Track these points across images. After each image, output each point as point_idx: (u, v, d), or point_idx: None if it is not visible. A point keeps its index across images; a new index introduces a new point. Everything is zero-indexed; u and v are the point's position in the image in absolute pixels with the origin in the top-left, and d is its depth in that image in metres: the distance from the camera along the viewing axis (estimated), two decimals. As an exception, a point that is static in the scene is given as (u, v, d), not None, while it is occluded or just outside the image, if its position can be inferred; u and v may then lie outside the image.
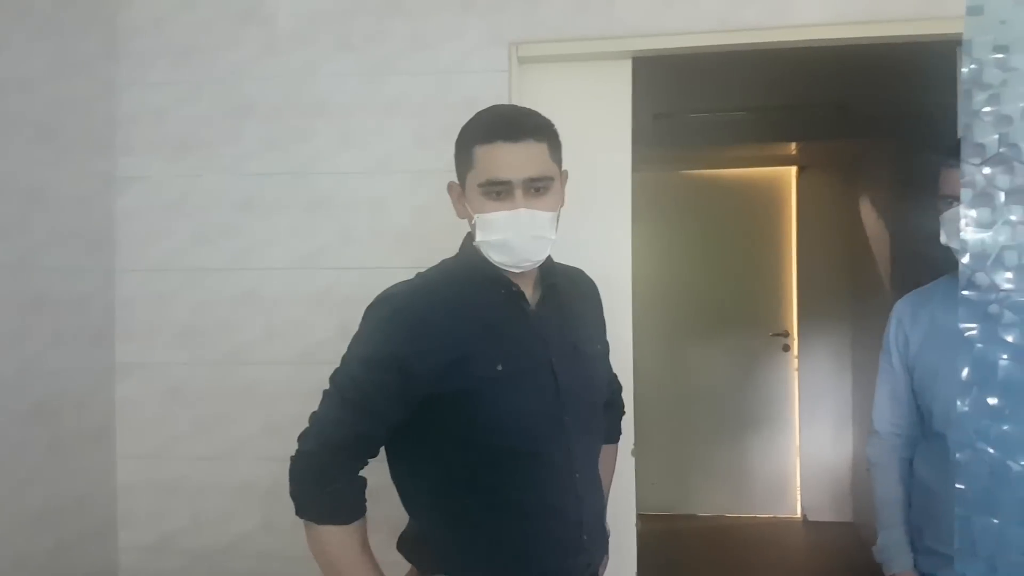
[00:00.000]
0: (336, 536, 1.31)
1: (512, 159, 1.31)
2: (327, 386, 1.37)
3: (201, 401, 2.36)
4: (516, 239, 1.33)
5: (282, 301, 2.32)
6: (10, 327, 1.97)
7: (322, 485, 1.31)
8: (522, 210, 1.31)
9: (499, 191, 1.32)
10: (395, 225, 2.28)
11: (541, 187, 1.33)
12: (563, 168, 1.43)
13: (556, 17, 2.24)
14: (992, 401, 0.60)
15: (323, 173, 2.31)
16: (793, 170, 4.97)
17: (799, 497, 4.94)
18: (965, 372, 0.60)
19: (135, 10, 2.39)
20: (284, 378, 2.28)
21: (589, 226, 2.23)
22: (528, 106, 1.79)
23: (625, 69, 2.28)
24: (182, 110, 2.37)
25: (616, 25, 2.21)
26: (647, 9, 2.20)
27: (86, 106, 2.27)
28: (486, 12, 2.26)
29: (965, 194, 0.60)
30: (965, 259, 0.59)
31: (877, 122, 4.02)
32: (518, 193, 1.31)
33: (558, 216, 1.39)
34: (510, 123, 1.34)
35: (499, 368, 1.32)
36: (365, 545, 1.34)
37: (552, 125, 1.40)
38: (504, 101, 2.18)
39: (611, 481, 1.72)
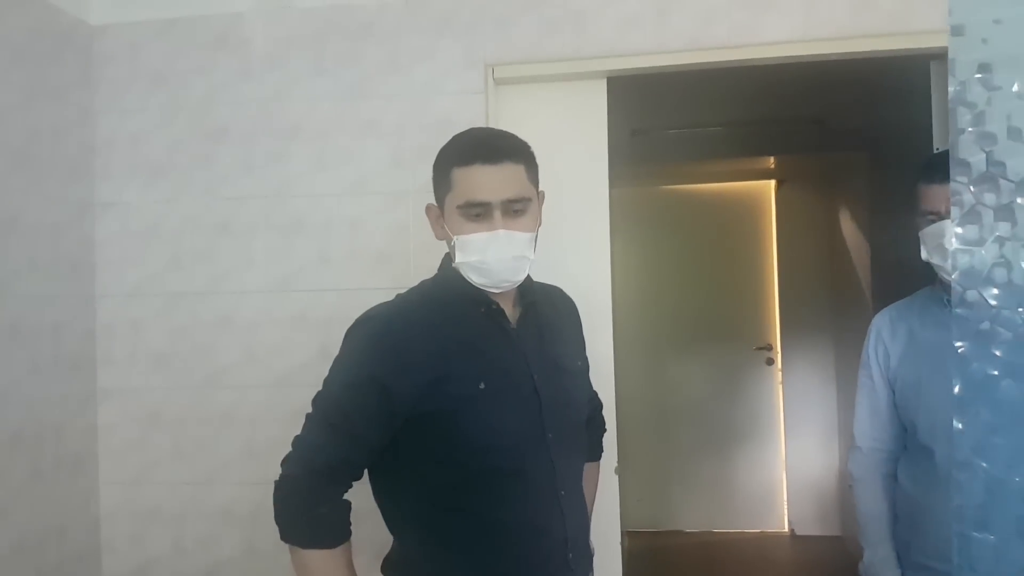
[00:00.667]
0: (321, 560, 1.31)
1: (490, 181, 1.32)
2: (309, 409, 1.37)
3: (180, 426, 2.34)
4: (494, 260, 1.34)
5: (260, 324, 2.32)
6: (-14, 355, 1.96)
7: (306, 510, 1.31)
8: (501, 231, 1.33)
9: (478, 213, 1.33)
10: (372, 246, 2.28)
11: (519, 208, 1.35)
12: (540, 189, 1.44)
13: (530, 38, 2.26)
14: (987, 418, 0.60)
15: (299, 196, 2.32)
16: (772, 184, 5.02)
17: (786, 511, 4.94)
18: (957, 389, 0.61)
19: (110, 37, 2.40)
20: (263, 401, 2.27)
21: (568, 243, 2.25)
22: (505, 126, 1.82)
23: (600, 88, 2.30)
24: (158, 135, 2.38)
25: (589, 45, 2.24)
26: (619, 29, 2.23)
27: (62, 133, 2.27)
28: (460, 34, 2.28)
29: (954, 212, 0.61)
30: (955, 276, 0.61)
31: (853, 136, 4.07)
32: (497, 214, 1.33)
33: (536, 236, 1.40)
34: (488, 145, 1.36)
35: (481, 386, 1.33)
36: (350, 568, 1.34)
37: (529, 147, 1.42)
38: (480, 122, 2.19)
39: (594, 499, 1.71)
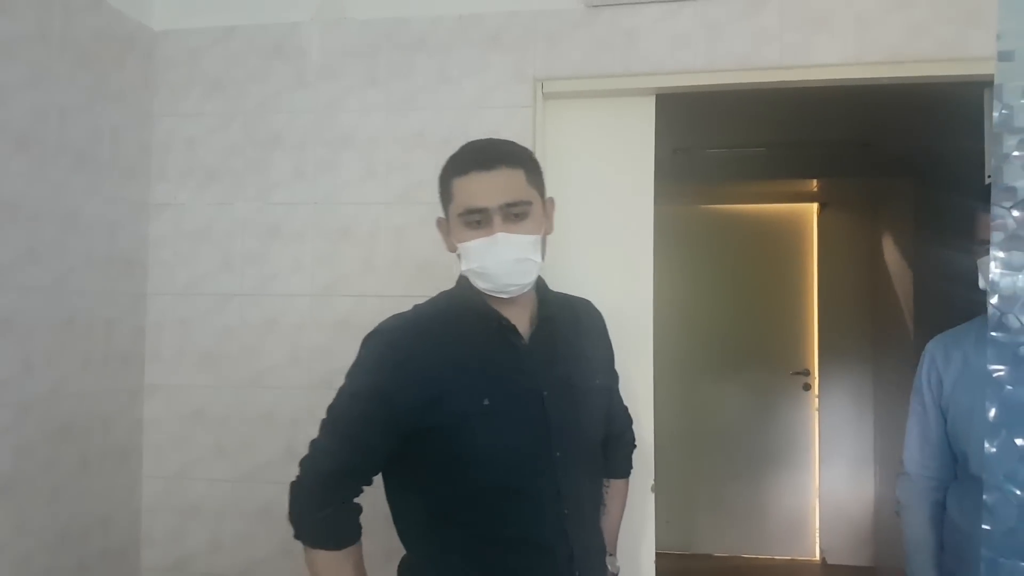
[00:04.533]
0: (328, 560, 1.34)
1: (487, 187, 1.34)
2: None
3: (223, 424, 2.39)
4: (495, 264, 1.34)
5: (305, 327, 2.36)
6: (44, 347, 2.02)
7: (314, 511, 1.35)
8: (499, 234, 1.33)
9: (477, 219, 1.34)
10: (416, 255, 2.31)
11: (519, 212, 1.35)
12: (548, 196, 1.45)
13: (580, 54, 2.28)
14: (1021, 442, 0.60)
15: (347, 203, 2.36)
16: (814, 207, 4.97)
17: (818, 539, 4.86)
18: (992, 413, 0.61)
19: (171, 43, 2.47)
20: (304, 403, 2.31)
21: (611, 260, 2.26)
22: (552, 140, 1.83)
23: (648, 105, 2.31)
24: (213, 140, 2.44)
25: (639, 62, 2.25)
26: (669, 47, 2.24)
27: (122, 134, 2.34)
28: (511, 49, 2.31)
29: (995, 237, 0.61)
30: (994, 300, 0.60)
31: (899, 161, 4.03)
32: (496, 219, 1.33)
33: (542, 240, 1.40)
34: (483, 152, 1.38)
35: (486, 403, 1.33)
36: (358, 569, 1.36)
37: (529, 152, 1.43)
38: (527, 135, 2.21)
39: (621, 517, 1.70)
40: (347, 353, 2.29)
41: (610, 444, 1.61)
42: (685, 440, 4.83)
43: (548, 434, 1.37)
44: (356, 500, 1.39)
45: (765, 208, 5.01)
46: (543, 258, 1.40)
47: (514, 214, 1.34)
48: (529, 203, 1.36)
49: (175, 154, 2.46)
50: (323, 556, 1.34)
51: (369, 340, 1.40)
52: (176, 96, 2.47)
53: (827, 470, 4.82)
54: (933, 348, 1.75)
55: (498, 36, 2.32)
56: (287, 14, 2.42)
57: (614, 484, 1.65)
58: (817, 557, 4.85)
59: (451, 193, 1.38)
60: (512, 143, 1.44)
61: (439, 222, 1.46)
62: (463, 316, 1.41)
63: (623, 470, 1.72)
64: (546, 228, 1.42)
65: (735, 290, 4.92)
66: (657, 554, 2.27)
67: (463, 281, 1.45)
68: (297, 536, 1.36)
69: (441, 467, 1.35)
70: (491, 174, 1.34)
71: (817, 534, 4.86)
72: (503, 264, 1.34)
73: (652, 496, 2.23)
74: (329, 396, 1.39)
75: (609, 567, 1.61)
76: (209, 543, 2.38)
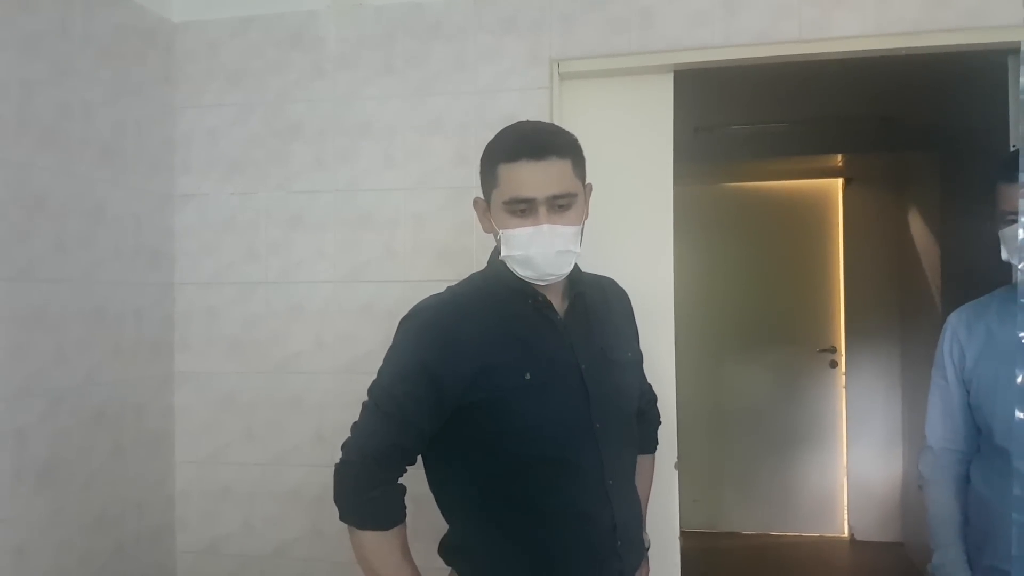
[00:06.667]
0: (375, 541, 1.36)
1: (535, 177, 1.34)
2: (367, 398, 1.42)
3: (252, 409, 2.43)
4: (539, 254, 1.35)
5: (329, 313, 2.39)
6: (75, 338, 2.07)
7: (360, 493, 1.36)
8: (545, 226, 1.34)
9: (523, 208, 1.35)
10: (436, 240, 2.33)
11: (564, 204, 1.36)
12: (588, 182, 1.45)
13: (596, 34, 2.27)
14: None
15: (367, 190, 2.38)
16: (839, 182, 4.91)
17: (846, 516, 4.84)
18: (1021, 380, 0.60)
19: (190, 36, 2.50)
20: (332, 387, 2.35)
21: (631, 240, 2.26)
22: (569, 121, 1.83)
23: (666, 83, 2.29)
24: (234, 131, 2.47)
25: (656, 40, 2.24)
26: (687, 23, 2.23)
27: (145, 128, 2.37)
28: (526, 32, 2.30)
29: (1022, 204, 0.60)
30: (1022, 267, 0.60)
31: (924, 134, 3.97)
32: (542, 210, 1.34)
33: (582, 229, 1.41)
34: (533, 142, 1.36)
35: (527, 377, 1.35)
36: (405, 550, 1.38)
37: (576, 141, 1.43)
38: (545, 117, 2.21)
39: (649, 492, 1.72)
40: (371, 338, 2.34)
41: (637, 420, 1.63)
42: (712, 419, 4.83)
43: (588, 406, 1.39)
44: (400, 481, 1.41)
45: (789, 184, 4.96)
46: (580, 246, 1.41)
47: (559, 205, 1.35)
48: (575, 194, 1.37)
49: (197, 146, 2.49)
50: (370, 537, 1.36)
51: (409, 320, 1.42)
52: (197, 88, 2.50)
53: (855, 447, 4.79)
54: (955, 321, 1.74)
55: (513, 18, 2.32)
56: (304, 3, 2.43)
57: (641, 459, 1.67)
58: (846, 534, 4.84)
59: (496, 178, 1.38)
60: (559, 129, 1.44)
61: (476, 202, 1.47)
62: (499, 294, 1.42)
63: (650, 446, 1.74)
64: (585, 214, 1.43)
65: (761, 268, 4.89)
66: (684, 532, 2.28)
67: (495, 261, 1.46)
68: (343, 518, 1.37)
69: (485, 442, 1.37)
70: (541, 164, 1.34)
71: (846, 511, 4.84)
72: (547, 255, 1.35)
73: (676, 474, 2.24)
74: (355, 380, 1.41)
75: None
76: (241, 525, 2.44)
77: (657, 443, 1.77)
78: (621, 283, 1.65)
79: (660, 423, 1.79)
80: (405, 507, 1.39)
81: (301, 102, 2.43)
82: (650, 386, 1.73)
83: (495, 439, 1.37)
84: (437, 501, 1.48)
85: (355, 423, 1.42)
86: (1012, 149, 2.20)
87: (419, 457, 1.44)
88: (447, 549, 1.49)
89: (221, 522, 2.45)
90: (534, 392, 1.35)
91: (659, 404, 1.78)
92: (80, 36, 2.11)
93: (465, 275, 1.53)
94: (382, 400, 1.38)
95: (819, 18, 2.16)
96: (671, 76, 2.29)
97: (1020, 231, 0.61)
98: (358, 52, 2.40)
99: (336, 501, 1.39)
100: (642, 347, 1.64)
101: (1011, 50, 2.14)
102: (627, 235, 2.26)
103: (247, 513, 2.44)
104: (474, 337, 1.36)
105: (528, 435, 1.36)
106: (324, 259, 2.41)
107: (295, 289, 2.42)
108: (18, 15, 1.91)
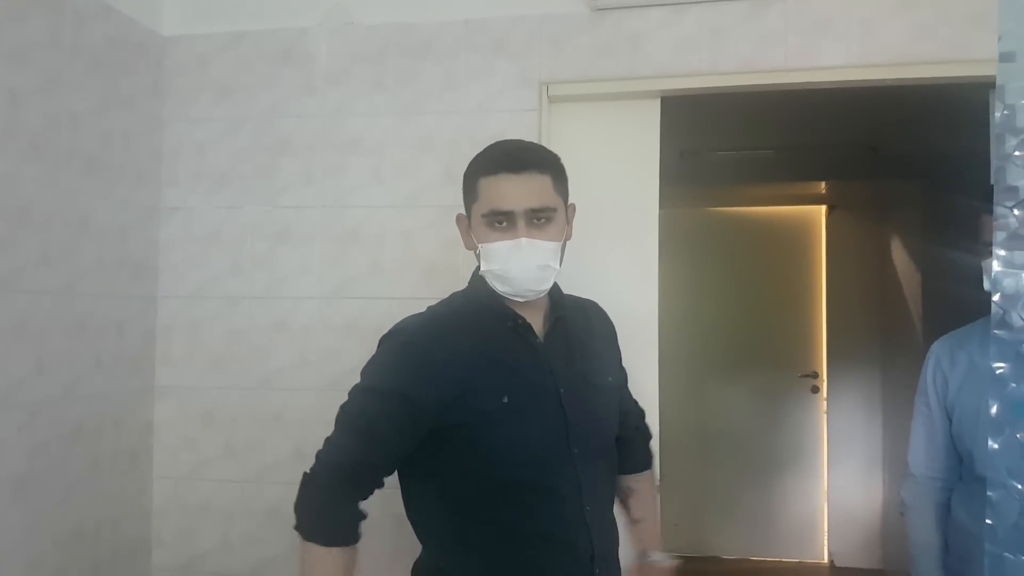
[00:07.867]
0: (318, 555, 1.33)
1: (514, 190, 1.34)
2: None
3: (233, 425, 2.41)
4: (517, 268, 1.35)
5: (314, 329, 2.38)
6: (56, 350, 2.05)
7: (315, 503, 1.35)
8: (523, 239, 1.34)
9: (502, 221, 1.35)
10: (423, 257, 2.33)
11: (543, 218, 1.36)
12: (571, 202, 1.45)
13: (585, 57, 2.29)
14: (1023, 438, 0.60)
15: (355, 207, 2.38)
16: (823, 209, 4.96)
17: (826, 542, 4.84)
18: (995, 410, 0.61)
19: (180, 49, 2.50)
20: (314, 405, 2.33)
21: (617, 261, 2.27)
22: (557, 143, 1.84)
23: (654, 108, 2.32)
24: (223, 145, 2.46)
25: (644, 65, 2.26)
26: (674, 50, 2.25)
27: (133, 140, 2.36)
28: (517, 54, 2.32)
29: (998, 236, 0.61)
30: (997, 298, 0.61)
31: (908, 163, 4.02)
32: (520, 224, 1.34)
33: (562, 247, 1.41)
34: (513, 156, 1.38)
35: (505, 400, 1.34)
36: (346, 573, 1.33)
37: (557, 159, 1.43)
38: (533, 138, 2.22)
39: (655, 508, 1.71)
40: (356, 355, 2.31)
41: (628, 439, 1.63)
42: (694, 443, 4.83)
43: (566, 430, 1.38)
44: (363, 506, 1.38)
45: (773, 210, 5.00)
46: (560, 264, 1.41)
47: (538, 219, 1.35)
48: (554, 210, 1.38)
49: (185, 159, 2.48)
50: (313, 550, 1.33)
51: (387, 340, 1.41)
52: (186, 101, 2.49)
53: (836, 473, 4.80)
54: (938, 349, 1.75)
55: (504, 40, 2.34)
56: (295, 20, 2.44)
57: (641, 478, 1.66)
58: (826, 560, 4.83)
59: (476, 192, 1.39)
60: (541, 147, 1.45)
61: (459, 219, 1.47)
62: (479, 316, 1.42)
63: (646, 462, 1.72)
64: (567, 234, 1.43)
65: (744, 292, 4.92)
66: (664, 556, 2.27)
67: (476, 281, 1.46)
68: (296, 526, 1.35)
69: (461, 465, 1.36)
70: (520, 177, 1.34)
71: (826, 537, 4.84)
72: (526, 270, 1.35)
73: (657, 496, 2.23)
74: (338, 397, 1.40)
75: (660, 558, 1.62)
76: (219, 543, 2.40)
77: (653, 456, 1.75)
78: (606, 304, 1.64)
79: (652, 436, 1.77)
80: (359, 534, 1.35)
81: (291, 117, 2.43)
82: (636, 402, 1.72)
83: (471, 462, 1.36)
84: (412, 523, 1.46)
85: (327, 437, 1.40)
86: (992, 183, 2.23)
87: (395, 477, 1.43)
88: (421, 572, 1.47)
89: (199, 540, 2.41)
90: (512, 416, 1.34)
91: (642, 426, 1.76)
92: (69, 47, 2.10)
93: (450, 292, 1.53)
94: (353, 416, 1.37)
95: (805, 47, 2.19)
96: (659, 101, 2.32)
97: (994, 263, 0.62)
98: (349, 69, 2.41)
99: (294, 509, 1.37)
100: (626, 368, 1.64)
101: (992, 84, 2.18)
102: (613, 256, 2.27)
103: (225, 531, 2.40)
104: (452, 359, 1.35)
105: (505, 458, 1.35)
106: (310, 274, 2.40)
107: (280, 304, 2.41)
108: (7, 25, 1.90)
